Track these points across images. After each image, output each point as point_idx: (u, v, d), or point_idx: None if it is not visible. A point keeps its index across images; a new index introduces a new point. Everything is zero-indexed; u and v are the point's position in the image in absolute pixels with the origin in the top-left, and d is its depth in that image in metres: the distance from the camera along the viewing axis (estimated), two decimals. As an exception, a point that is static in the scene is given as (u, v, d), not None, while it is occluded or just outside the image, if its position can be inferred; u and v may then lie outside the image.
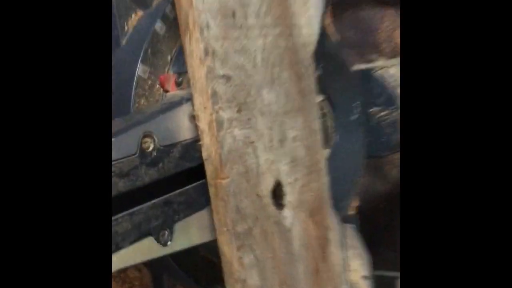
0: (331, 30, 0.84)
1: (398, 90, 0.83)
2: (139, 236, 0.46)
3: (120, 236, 0.44)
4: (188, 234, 0.52)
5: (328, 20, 0.83)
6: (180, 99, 0.52)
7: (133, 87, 0.56)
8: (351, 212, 0.80)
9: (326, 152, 0.79)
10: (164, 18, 0.60)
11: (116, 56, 0.60)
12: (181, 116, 0.51)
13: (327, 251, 0.69)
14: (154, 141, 0.48)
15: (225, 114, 0.52)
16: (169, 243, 0.49)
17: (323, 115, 0.79)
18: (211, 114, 0.50)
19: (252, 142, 0.56)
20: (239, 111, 0.54)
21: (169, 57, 0.61)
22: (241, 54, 0.54)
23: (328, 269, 0.69)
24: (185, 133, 0.51)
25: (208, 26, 0.50)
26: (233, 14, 0.54)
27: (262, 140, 0.57)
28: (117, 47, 0.60)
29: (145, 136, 0.47)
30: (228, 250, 0.53)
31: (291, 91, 0.63)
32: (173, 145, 0.50)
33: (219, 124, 0.51)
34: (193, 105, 0.52)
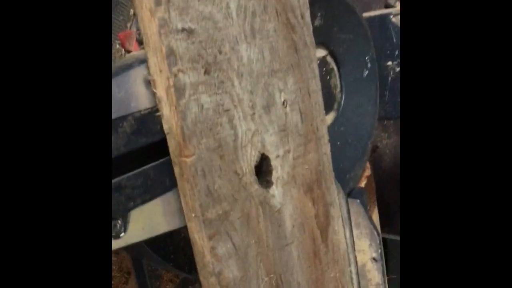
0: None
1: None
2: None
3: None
4: (151, 221, 0.44)
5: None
6: (133, 60, 0.43)
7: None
8: (361, 183, 0.70)
9: (330, 116, 0.68)
10: (122, -38, 0.50)
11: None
12: (133, 81, 0.42)
13: (329, 230, 0.61)
14: (95, 114, 0.39)
15: (187, 78, 0.42)
16: (122, 234, 0.41)
17: (327, 73, 0.68)
18: (168, 78, 0.41)
19: (227, 110, 0.46)
20: (207, 72, 0.44)
21: (131, 11, 0.51)
22: (207, 1, 0.44)
23: (330, 250, 0.61)
24: (139, 102, 0.42)
25: (158, -33, 0.40)
26: (195, -49, 0.43)
27: (240, 107, 0.48)
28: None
29: (82, 108, 0.38)
30: (198, 239, 0.45)
31: (278, 46, 0.52)
32: (123, 118, 0.41)
33: (180, 90, 0.42)
34: (148, 67, 0.43)
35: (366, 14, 0.71)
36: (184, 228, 0.53)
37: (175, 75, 0.41)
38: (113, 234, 0.41)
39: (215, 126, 0.45)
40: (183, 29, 0.42)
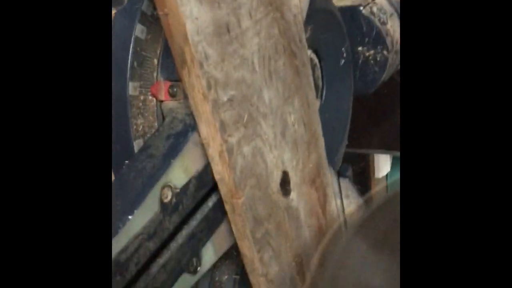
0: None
1: (387, 26, 0.79)
2: (175, 279, 0.48)
3: (159, 289, 0.47)
4: (214, 250, 0.55)
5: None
6: (185, 128, 0.50)
7: (128, 110, 0.52)
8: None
9: (317, 104, 0.78)
10: (143, 19, 0.53)
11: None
12: (191, 150, 0.49)
13: (326, 206, 0.75)
14: (171, 188, 0.47)
15: (234, 139, 0.50)
16: (198, 268, 0.52)
17: (312, 68, 0.77)
18: (221, 145, 0.49)
19: (259, 149, 0.56)
20: (245, 127, 0.52)
21: (155, 61, 0.55)
22: (239, 67, 0.51)
23: (328, 220, 0.76)
24: (196, 164, 0.50)
25: (206, 57, 0.45)
26: (227, 28, 0.48)
27: (267, 142, 0.57)
28: (95, 57, 0.54)
29: (163, 188, 0.46)
30: (249, 253, 0.57)
31: (287, 76, 0.60)
32: (188, 182, 0.49)
33: (230, 151, 0.50)
34: (199, 133, 0.50)
35: (337, 4, 0.78)
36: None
37: (226, 141, 0.49)
38: (193, 271, 0.51)
39: (254, 166, 0.55)
40: (227, 100, 0.49)
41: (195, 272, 0.52)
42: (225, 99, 0.49)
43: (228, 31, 0.48)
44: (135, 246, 0.43)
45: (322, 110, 0.78)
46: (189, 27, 0.43)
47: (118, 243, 0.41)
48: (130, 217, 0.42)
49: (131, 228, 0.42)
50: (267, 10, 0.54)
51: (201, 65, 0.45)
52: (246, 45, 0.51)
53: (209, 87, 0.46)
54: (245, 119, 0.52)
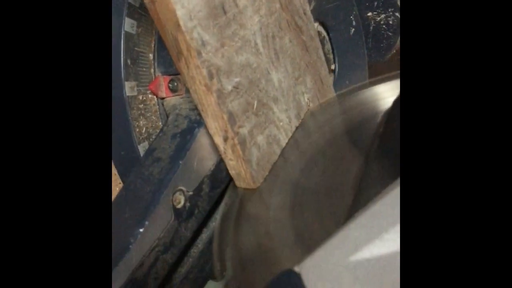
0: None
1: (394, -13, 0.73)
2: (200, 288, 0.45)
3: (185, 302, 0.43)
4: (236, 249, 0.51)
5: None
6: (190, 125, 0.46)
7: (127, 112, 0.48)
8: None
9: (331, 79, 0.73)
10: (132, 12, 0.49)
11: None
12: (200, 147, 0.45)
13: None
14: (183, 192, 0.43)
15: (245, 129, 0.46)
16: (224, 273, 0.48)
17: (321, 42, 0.71)
18: (233, 138, 0.45)
19: (275, 136, 0.51)
20: (256, 114, 0.48)
21: (150, 56, 0.51)
22: (242, 50, 0.46)
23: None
24: (208, 162, 0.46)
25: (204, 44, 0.41)
26: (223, 8, 0.43)
27: (283, 128, 0.52)
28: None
29: (174, 193, 0.42)
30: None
31: (295, 54, 0.55)
32: (201, 183, 0.45)
33: (243, 143, 0.46)
34: (207, 128, 0.46)
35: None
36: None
37: (237, 133, 0.45)
38: (218, 277, 0.48)
39: (270, 155, 0.50)
40: (233, 88, 0.44)
41: (221, 277, 0.48)
42: (230, 87, 0.44)
43: (224, 12, 0.43)
44: (151, 261, 0.39)
45: (336, 85, 0.73)
46: (180, 12, 0.38)
47: (132, 260, 0.37)
48: (141, 230, 0.38)
49: (144, 242, 0.39)
50: (265, -17, 0.49)
51: (199, 54, 0.40)
52: (246, 25, 0.46)
53: (211, 76, 0.42)
54: (254, 106, 0.47)
